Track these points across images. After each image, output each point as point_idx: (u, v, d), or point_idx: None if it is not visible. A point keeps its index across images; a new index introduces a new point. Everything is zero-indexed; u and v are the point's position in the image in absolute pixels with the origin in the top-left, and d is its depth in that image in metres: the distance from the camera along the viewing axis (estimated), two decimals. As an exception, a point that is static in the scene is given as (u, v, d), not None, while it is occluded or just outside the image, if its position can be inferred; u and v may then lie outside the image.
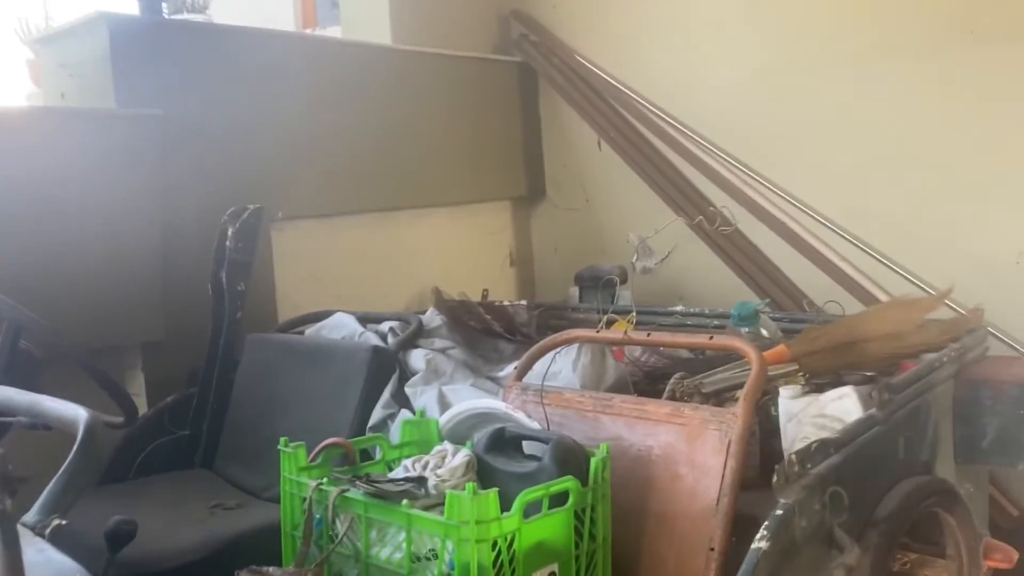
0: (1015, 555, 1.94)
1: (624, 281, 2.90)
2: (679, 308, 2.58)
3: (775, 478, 1.23)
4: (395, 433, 1.68)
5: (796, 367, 1.77)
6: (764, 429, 1.67)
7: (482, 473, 1.32)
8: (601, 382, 1.79)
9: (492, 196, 3.57)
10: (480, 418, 1.52)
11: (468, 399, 1.78)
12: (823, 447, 1.32)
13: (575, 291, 2.93)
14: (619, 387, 1.83)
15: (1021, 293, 2.60)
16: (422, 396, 1.80)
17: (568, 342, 1.70)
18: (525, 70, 3.58)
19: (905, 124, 2.78)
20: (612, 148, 3.39)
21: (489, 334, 2.11)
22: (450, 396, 1.79)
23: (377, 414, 1.82)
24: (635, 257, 3.47)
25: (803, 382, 1.75)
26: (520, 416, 1.43)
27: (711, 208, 3.06)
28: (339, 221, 2.94)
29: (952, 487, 1.69)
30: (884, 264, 2.80)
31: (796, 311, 2.52)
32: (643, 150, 3.32)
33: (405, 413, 1.79)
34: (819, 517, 1.29)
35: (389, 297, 2.99)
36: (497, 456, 1.33)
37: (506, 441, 1.36)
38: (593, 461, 1.25)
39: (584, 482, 1.23)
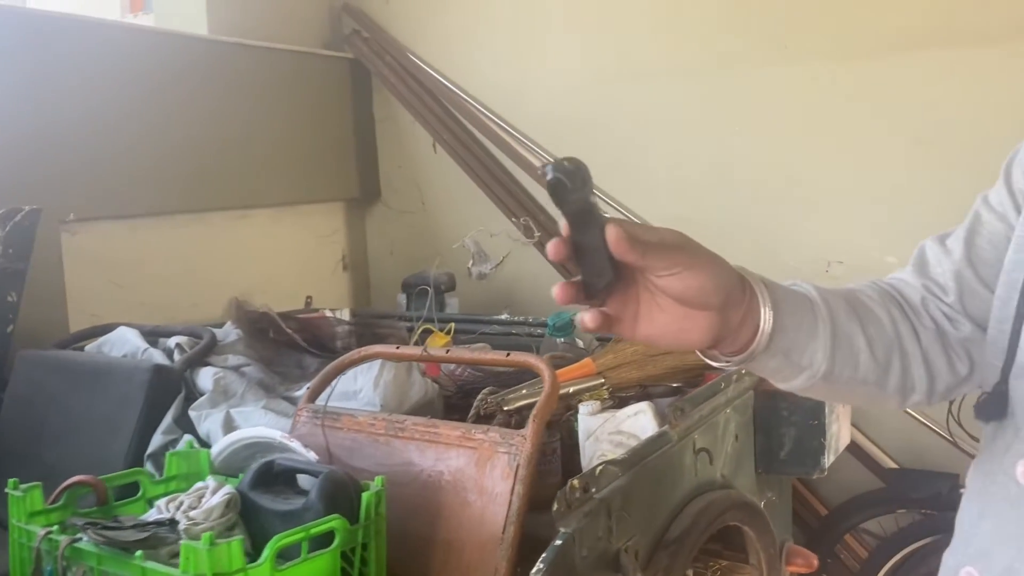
0: (815, 560, 2.00)
1: (452, 288, 2.83)
2: (504, 316, 2.53)
3: (555, 506, 1.18)
4: (214, 447, 1.53)
5: (601, 381, 1.74)
6: (568, 445, 1.63)
7: (248, 513, 1.20)
8: (405, 400, 1.70)
9: (322, 197, 3.42)
10: (257, 448, 1.40)
11: (258, 423, 1.65)
12: (608, 470, 1.28)
13: (403, 298, 2.83)
14: (426, 405, 1.75)
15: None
16: (207, 420, 1.66)
17: (365, 359, 1.60)
18: (357, 67, 3.45)
19: (723, 135, 2.85)
20: (446, 151, 3.32)
21: (293, 348, 1.98)
22: (238, 420, 1.65)
23: (156, 441, 1.66)
24: (471, 262, 3.42)
25: (607, 396, 1.74)
26: (296, 445, 1.32)
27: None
28: (144, 222, 2.72)
29: (749, 500, 1.71)
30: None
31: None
32: (476, 153, 3.26)
33: (184, 440, 1.64)
34: (603, 543, 1.25)
35: (199, 307, 2.80)
36: (264, 493, 1.21)
37: (276, 475, 1.24)
38: (365, 496, 1.16)
39: (354, 519, 1.14)
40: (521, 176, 3.21)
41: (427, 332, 2.17)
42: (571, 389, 1.70)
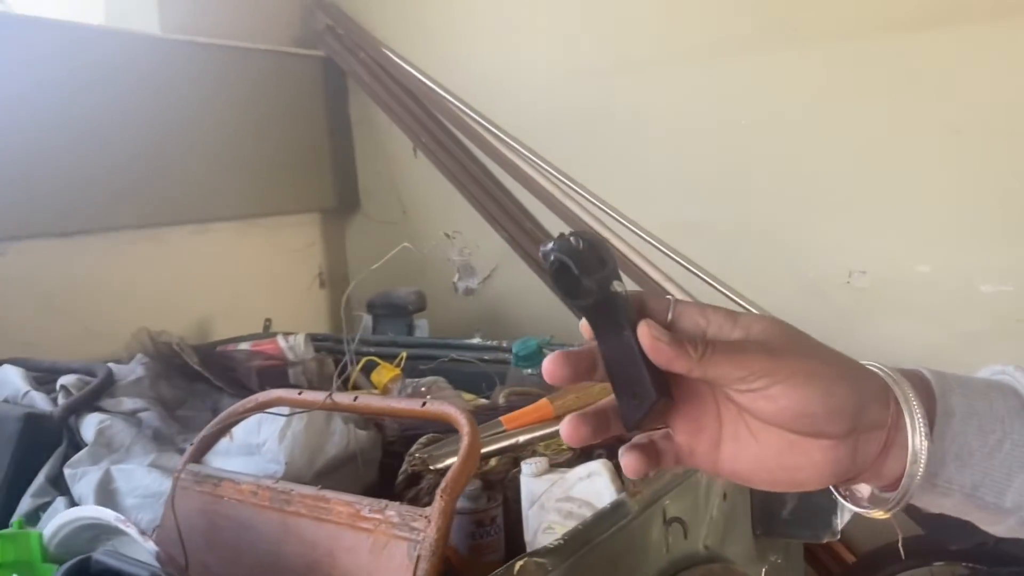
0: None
1: (421, 308, 2.54)
2: (476, 340, 2.23)
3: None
4: (47, 528, 1.25)
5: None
6: (515, 510, 1.33)
7: (50, 627, 0.92)
8: (319, 455, 1.41)
9: (295, 208, 3.14)
10: (100, 529, 1.11)
11: (141, 483, 1.37)
12: (532, 566, 0.97)
13: (368, 320, 2.54)
14: (347, 460, 1.45)
15: (852, 313, 2.37)
16: (82, 480, 1.38)
17: (261, 407, 1.31)
18: (331, 66, 3.18)
19: (731, 131, 2.52)
20: (426, 155, 3.03)
21: (214, 385, 1.70)
22: (119, 479, 1.37)
23: (25, 505, 1.39)
24: (456, 277, 3.13)
25: (567, 447, 1.43)
26: (132, 532, 1.04)
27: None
28: (88, 240, 2.46)
29: (738, 572, 1.38)
30: (710, 285, 2.53)
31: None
32: (458, 157, 2.96)
33: (59, 504, 1.37)
34: (527, 662, 0.94)
35: (157, 328, 2.53)
36: (72, 601, 0.92)
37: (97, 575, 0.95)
38: (186, 613, 0.86)
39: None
40: (507, 180, 2.91)
41: (371, 364, 1.88)
42: (521, 439, 1.39)
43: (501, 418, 1.43)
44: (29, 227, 2.30)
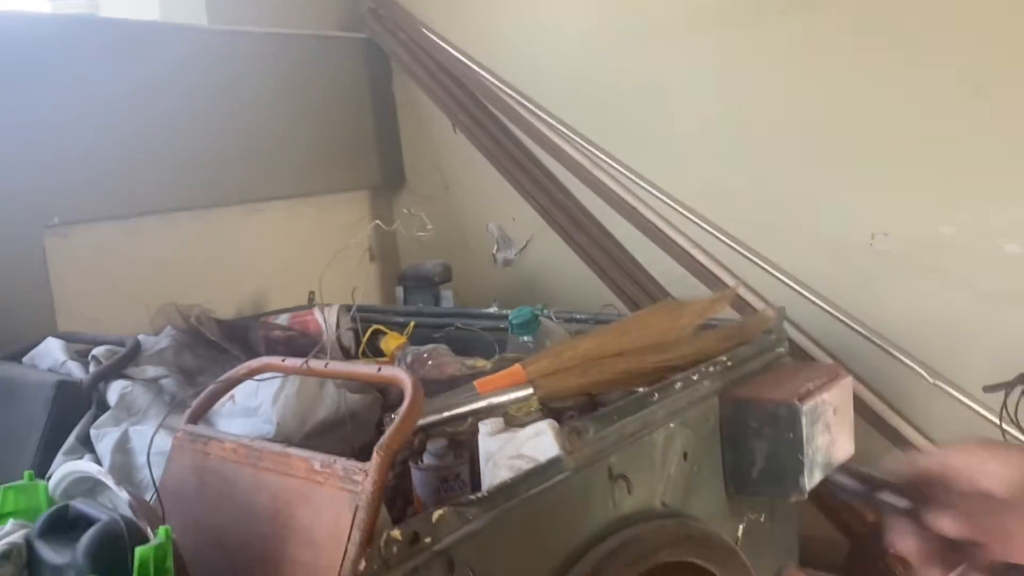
0: (818, 589, 1.71)
1: (447, 280, 2.65)
2: (493, 310, 2.32)
3: (363, 564, 0.97)
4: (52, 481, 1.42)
5: (530, 391, 1.52)
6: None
7: (37, 566, 1.07)
8: (309, 418, 1.54)
9: (343, 186, 3.29)
10: (95, 481, 1.27)
11: (156, 443, 1.53)
12: (450, 515, 1.07)
13: (400, 291, 2.67)
14: (337, 423, 1.58)
15: (874, 276, 2.34)
16: (104, 440, 1.55)
17: (251, 374, 1.45)
18: (373, 48, 3.30)
19: (753, 94, 2.51)
20: (463, 132, 3.12)
21: (232, 354, 1.86)
22: (135, 440, 1.54)
23: (58, 461, 1.57)
24: (495, 248, 3.22)
25: (536, 409, 1.51)
26: (109, 482, 1.18)
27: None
28: (146, 222, 2.67)
29: (701, 531, 1.44)
30: (736, 250, 2.54)
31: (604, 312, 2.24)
32: (493, 133, 3.04)
33: (86, 463, 1.54)
34: (441, 604, 1.04)
35: (212, 304, 2.74)
36: (55, 542, 1.07)
37: (72, 522, 1.10)
38: (140, 553, 0.99)
39: (124, 578, 0.98)
40: (539, 152, 2.97)
41: (378, 333, 2.00)
42: (490, 402, 1.49)
43: (475, 382, 1.52)
44: (92, 211, 2.52)
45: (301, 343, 2.04)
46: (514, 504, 1.14)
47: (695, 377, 1.47)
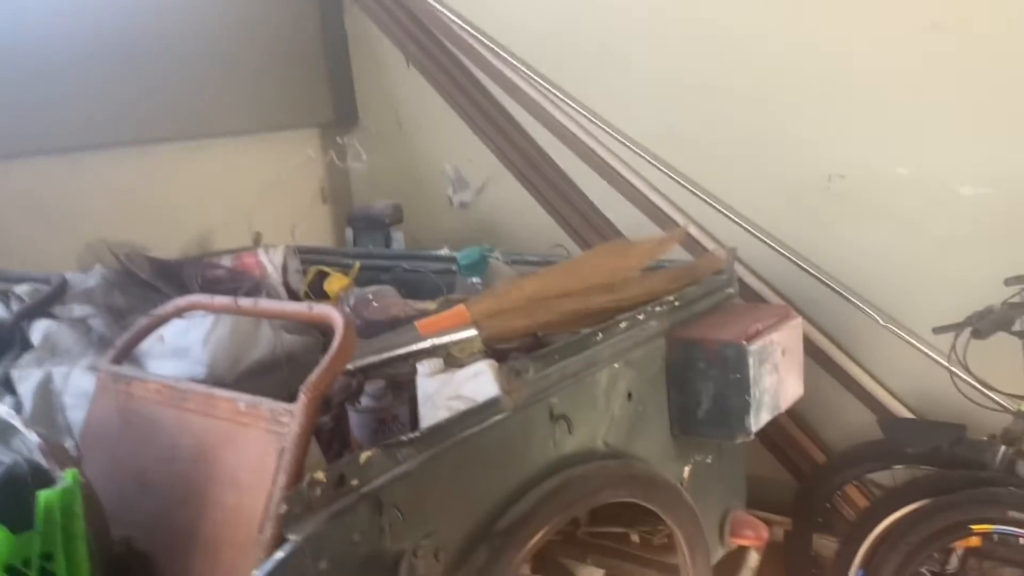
0: (766, 532, 1.71)
1: (398, 221, 2.58)
2: (443, 252, 2.26)
3: (284, 507, 0.93)
4: None
5: (474, 332, 1.47)
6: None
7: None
8: (243, 359, 1.49)
9: (292, 123, 3.18)
10: (5, 424, 1.20)
11: (79, 384, 1.47)
12: (380, 456, 1.02)
13: (350, 233, 2.59)
14: (273, 365, 1.53)
15: (832, 217, 2.32)
16: (25, 381, 1.48)
17: (179, 312, 1.38)
18: (324, -24, 3.16)
19: (708, 36, 2.44)
20: (417, 68, 3.02)
21: (164, 293, 1.78)
22: (58, 380, 1.47)
23: (-22, 404, 1.50)
24: (450, 190, 3.15)
25: (480, 349, 1.46)
26: (18, 423, 1.12)
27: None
28: (84, 157, 2.54)
29: (643, 472, 1.42)
30: (692, 192, 2.50)
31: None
32: (447, 68, 2.95)
33: (6, 403, 1.47)
34: (370, 547, 1.00)
35: (150, 249, 2.64)
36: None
37: (-19, 463, 1.04)
38: (43, 498, 0.94)
39: (28, 524, 0.93)
40: (497, 92, 2.89)
41: (322, 274, 1.94)
42: (432, 343, 1.44)
43: (416, 323, 1.47)
44: (27, 145, 2.39)
45: (243, 285, 1.97)
46: (449, 445, 1.10)
47: (641, 317, 1.43)
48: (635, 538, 1.66)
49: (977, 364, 1.96)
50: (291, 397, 1.20)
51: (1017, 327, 1.79)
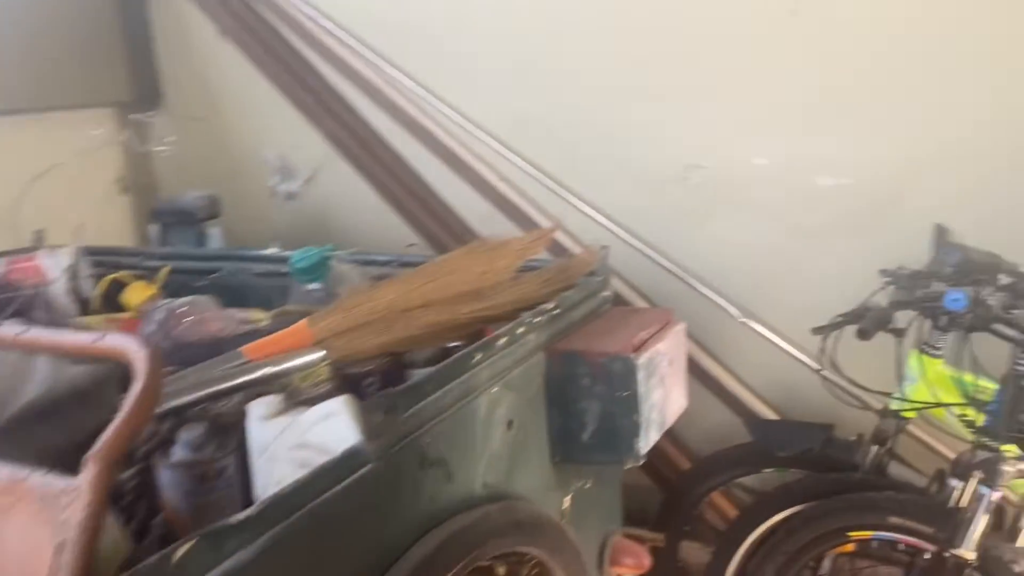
0: (647, 560, 1.55)
1: (214, 215, 2.23)
2: (272, 251, 1.95)
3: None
4: None
5: (321, 354, 1.20)
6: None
7: None
8: (9, 401, 1.13)
9: (78, 102, 2.71)
10: None
11: None
12: (210, 545, 0.75)
13: (154, 230, 2.21)
14: (58, 405, 1.19)
15: (690, 209, 2.21)
16: None
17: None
18: (116, -67, 2.72)
19: (562, 21, 2.27)
20: (233, 39, 2.66)
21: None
22: None
23: None
24: (276, 180, 2.81)
25: (327, 377, 1.20)
26: None
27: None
28: None
29: (526, 516, 1.21)
30: (543, 185, 2.33)
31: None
32: (267, 41, 2.61)
33: None
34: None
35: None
36: None
37: None
38: None
39: None
40: (326, 70, 2.59)
41: (118, 284, 1.59)
42: (266, 372, 1.16)
43: (245, 347, 1.19)
44: None
45: (14, 299, 1.58)
46: (296, 520, 0.84)
47: (520, 330, 1.22)
48: (501, 572, 1.46)
49: (842, 360, 1.90)
50: (78, 453, 0.89)
51: (892, 324, 1.73)
